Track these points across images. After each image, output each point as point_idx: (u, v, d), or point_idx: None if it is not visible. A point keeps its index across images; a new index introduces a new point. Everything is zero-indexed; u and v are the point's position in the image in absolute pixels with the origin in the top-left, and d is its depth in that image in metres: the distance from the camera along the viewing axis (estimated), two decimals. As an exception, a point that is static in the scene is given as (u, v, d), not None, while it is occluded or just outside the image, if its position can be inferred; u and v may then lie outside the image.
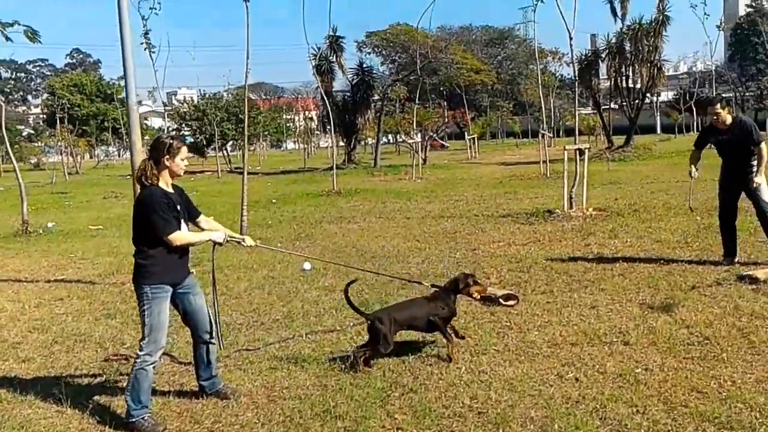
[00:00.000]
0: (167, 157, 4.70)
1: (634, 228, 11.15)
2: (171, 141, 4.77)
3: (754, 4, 72.17)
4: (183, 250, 4.77)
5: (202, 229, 5.02)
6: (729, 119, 8.05)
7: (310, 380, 5.28)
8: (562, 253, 9.61)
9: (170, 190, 4.77)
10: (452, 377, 5.19)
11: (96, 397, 5.15)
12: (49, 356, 6.28)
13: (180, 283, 4.80)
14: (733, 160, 8.18)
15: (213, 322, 5.03)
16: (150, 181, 4.66)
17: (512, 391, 4.90)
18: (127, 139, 12.35)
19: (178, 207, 4.71)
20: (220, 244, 4.89)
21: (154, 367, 4.74)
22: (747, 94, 62.87)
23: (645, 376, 5.02)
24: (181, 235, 4.66)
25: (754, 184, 7.98)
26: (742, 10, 73.45)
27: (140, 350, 4.67)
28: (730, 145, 8.10)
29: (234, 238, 5.03)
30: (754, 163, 7.98)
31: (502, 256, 9.58)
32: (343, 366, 5.46)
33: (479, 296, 6.09)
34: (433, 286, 6.10)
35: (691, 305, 6.63)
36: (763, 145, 7.92)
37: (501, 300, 7.08)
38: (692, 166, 8.58)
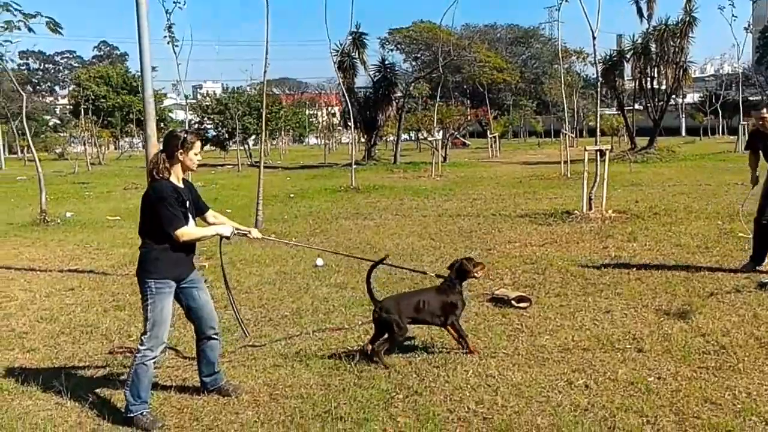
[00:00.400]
0: (181, 151, 4.64)
1: (654, 231, 10.94)
2: (185, 135, 4.71)
3: (784, 6, 71.00)
4: (190, 245, 4.71)
5: (210, 224, 4.96)
6: None
7: (314, 379, 5.20)
8: (579, 255, 9.44)
9: (180, 184, 4.70)
10: (459, 380, 5.07)
11: (98, 390, 5.09)
12: (54, 347, 6.24)
13: (185, 278, 4.73)
14: None
15: (235, 313, 5.18)
16: (161, 175, 4.60)
17: (519, 396, 4.77)
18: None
19: (187, 202, 4.65)
20: (228, 238, 4.85)
21: (155, 362, 4.67)
22: (766, 100, 61.82)
23: (657, 385, 4.87)
24: (189, 231, 4.60)
25: None
26: (772, 13, 72.18)
27: (141, 345, 4.61)
28: None
29: (240, 230, 4.98)
30: None
31: (517, 257, 9.43)
32: (349, 365, 5.37)
33: (482, 275, 6.12)
34: (437, 276, 5.98)
35: (708, 312, 6.45)
36: None
37: (513, 302, 6.96)
38: (753, 171, 8.26)
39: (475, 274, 5.81)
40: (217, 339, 4.98)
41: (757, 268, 7.96)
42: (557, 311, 6.77)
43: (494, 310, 6.87)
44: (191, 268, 4.83)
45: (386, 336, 5.43)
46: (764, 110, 7.72)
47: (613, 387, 4.86)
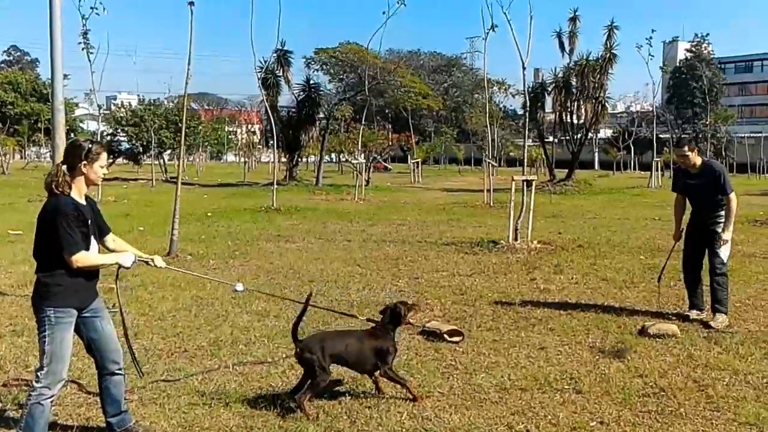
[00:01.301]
0: (84, 162, 4.14)
1: (579, 264, 10.92)
2: (90, 145, 4.21)
3: (693, 50, 74.86)
4: (92, 270, 4.17)
5: (108, 249, 4.43)
6: (699, 161, 7.36)
7: (234, 420, 4.72)
8: (508, 287, 9.26)
9: (83, 201, 4.18)
10: (393, 423, 4.70)
11: (-15, 431, 4.47)
12: (-64, 379, 5.53)
13: (87, 306, 4.20)
14: (701, 208, 7.45)
15: (129, 347, 4.51)
16: (61, 189, 4.07)
17: (458, 442, 4.44)
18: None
19: (89, 221, 4.13)
20: (128, 268, 4.33)
21: (52, 401, 4.11)
22: (683, 135, 64.84)
23: (601, 430, 4.64)
24: (85, 257, 4.06)
25: (720, 242, 7.22)
26: (681, 55, 76.01)
27: (37, 381, 4.04)
28: (697, 190, 7.43)
29: (142, 258, 4.46)
30: (722, 214, 7.25)
31: (446, 287, 9.17)
32: (272, 404, 4.92)
33: (415, 320, 5.85)
34: (368, 320, 5.48)
35: (643, 351, 6.32)
36: (732, 196, 7.18)
37: (446, 336, 6.65)
38: (676, 224, 7.78)
39: (410, 321, 5.46)
40: (121, 374, 4.43)
41: (689, 315, 7.52)
42: (491, 347, 6.51)
43: (426, 344, 6.55)
44: (94, 295, 4.30)
45: (308, 381, 4.92)
46: (686, 147, 7.32)
47: (556, 432, 4.60)
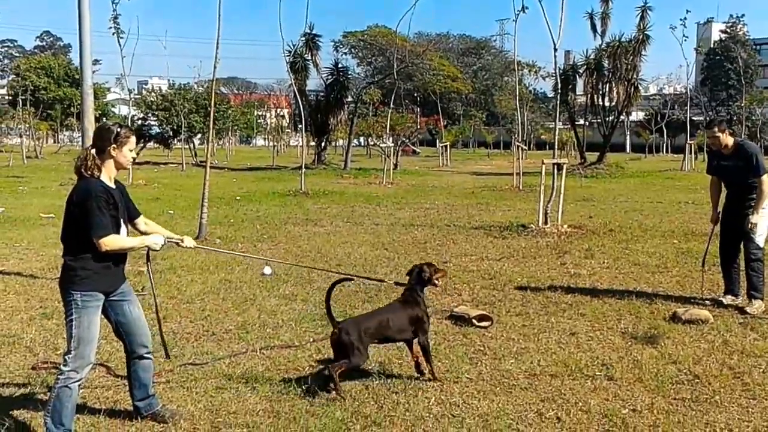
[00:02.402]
0: (113, 146, 4.12)
1: (611, 248, 10.74)
2: (119, 129, 4.19)
3: (728, 30, 73.21)
4: (121, 254, 4.16)
5: (140, 232, 4.42)
6: (731, 141, 7.18)
7: (261, 405, 4.70)
8: (538, 271, 9.14)
9: (112, 185, 4.17)
10: (420, 409, 4.65)
11: (16, 413, 4.51)
12: (-31, 360, 5.59)
13: (114, 290, 4.19)
14: (735, 190, 7.28)
15: (160, 330, 4.51)
16: (90, 173, 4.05)
17: (487, 429, 4.38)
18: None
19: (119, 205, 4.11)
20: (156, 250, 4.32)
21: (80, 385, 4.12)
22: (717, 118, 63.59)
23: (633, 418, 4.53)
24: (114, 240, 4.04)
25: (749, 225, 6.99)
26: (716, 36, 74.40)
27: (64, 365, 4.04)
28: (729, 171, 7.25)
29: (172, 239, 4.44)
30: (753, 197, 7.04)
31: (474, 272, 9.08)
32: (300, 389, 4.89)
33: (441, 284, 5.80)
34: (396, 283, 5.55)
35: (677, 338, 6.18)
36: (765, 177, 6.93)
37: (474, 320, 6.58)
38: (714, 207, 7.58)
39: (435, 282, 5.38)
40: (150, 358, 4.43)
41: (723, 300, 7.35)
42: (520, 332, 6.42)
43: (454, 329, 6.48)
44: (122, 280, 4.29)
45: (345, 358, 4.90)
46: (716, 128, 7.19)
47: (587, 420, 4.51)
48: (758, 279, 7.15)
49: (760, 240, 7.13)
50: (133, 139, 4.26)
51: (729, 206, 7.38)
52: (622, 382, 5.15)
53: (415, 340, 5.16)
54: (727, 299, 7.33)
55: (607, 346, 6.02)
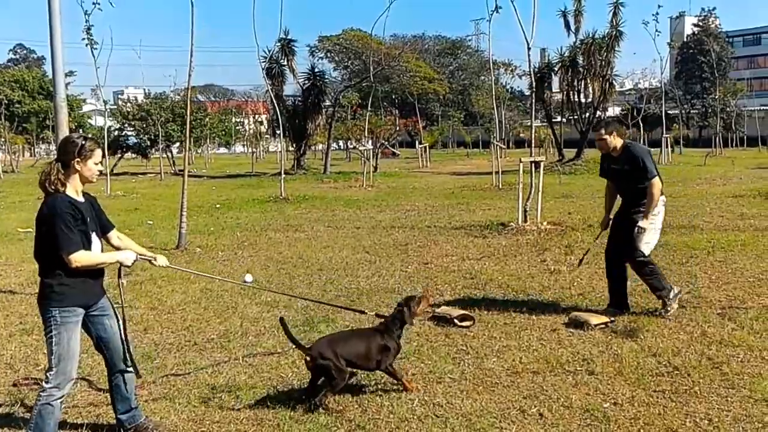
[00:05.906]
0: (78, 159, 4.07)
1: (589, 244, 10.78)
2: (83, 141, 4.13)
3: (700, 24, 74.04)
4: (96, 269, 4.13)
5: (113, 246, 4.39)
6: (619, 144, 6.75)
7: (245, 413, 4.69)
8: (518, 269, 9.21)
9: (80, 198, 4.13)
10: (404, 411, 4.67)
11: (-4, 431, 4.47)
12: (-53, 379, 5.54)
13: (94, 304, 4.17)
14: (625, 194, 6.87)
15: (125, 347, 4.36)
16: (54, 187, 4.01)
17: (471, 428, 4.41)
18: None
19: (88, 219, 4.08)
20: (129, 266, 4.26)
21: (61, 402, 4.09)
22: (692, 111, 64.29)
23: (615, 412, 4.59)
24: (84, 256, 4.00)
25: (636, 229, 6.58)
26: (689, 30, 75.20)
27: (46, 382, 4.02)
28: (619, 175, 6.84)
29: (145, 256, 4.39)
30: (644, 202, 6.64)
31: (456, 271, 9.12)
32: (283, 396, 4.89)
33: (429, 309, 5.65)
34: (378, 315, 5.36)
35: (656, 330, 6.26)
36: (655, 180, 6.54)
37: (456, 320, 6.61)
38: (607, 209, 7.20)
39: (417, 314, 5.24)
40: (131, 371, 4.41)
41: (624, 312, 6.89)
42: (502, 330, 6.46)
43: (436, 330, 6.50)
44: (101, 293, 4.26)
45: (327, 382, 4.76)
46: (602, 131, 6.77)
47: (569, 415, 4.56)
48: (655, 278, 6.81)
49: (645, 248, 6.72)
50: (98, 152, 4.20)
51: (620, 210, 6.97)
52: (602, 377, 5.21)
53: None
54: (609, 312, 6.83)
55: (588, 341, 6.08)
